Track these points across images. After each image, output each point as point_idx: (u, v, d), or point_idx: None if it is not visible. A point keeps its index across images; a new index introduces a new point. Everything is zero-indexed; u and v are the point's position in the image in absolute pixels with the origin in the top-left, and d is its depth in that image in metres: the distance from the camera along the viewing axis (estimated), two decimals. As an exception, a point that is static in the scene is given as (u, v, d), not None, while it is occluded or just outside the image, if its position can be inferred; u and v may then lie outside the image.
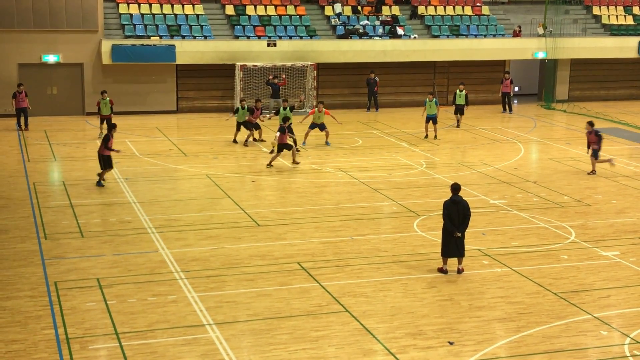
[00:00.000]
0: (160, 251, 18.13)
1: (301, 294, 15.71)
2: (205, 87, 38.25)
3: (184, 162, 27.32)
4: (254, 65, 37.42)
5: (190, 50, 36.80)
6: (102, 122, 31.03)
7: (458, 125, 34.66)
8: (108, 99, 31.11)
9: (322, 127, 30.40)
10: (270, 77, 36.48)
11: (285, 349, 13.34)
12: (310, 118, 30.42)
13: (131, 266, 17.15)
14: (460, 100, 34.82)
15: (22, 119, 32.83)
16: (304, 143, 30.09)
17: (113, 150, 23.86)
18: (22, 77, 35.37)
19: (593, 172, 25.96)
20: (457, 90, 35.04)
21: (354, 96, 39.84)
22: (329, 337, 13.81)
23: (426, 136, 31.84)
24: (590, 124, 26.45)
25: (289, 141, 26.91)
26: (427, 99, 31.51)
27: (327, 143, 30.45)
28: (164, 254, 17.92)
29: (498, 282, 16.49)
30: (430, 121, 31.59)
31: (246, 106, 30.56)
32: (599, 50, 42.38)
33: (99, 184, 23.77)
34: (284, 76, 37.31)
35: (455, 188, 16.84)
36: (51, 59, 36.05)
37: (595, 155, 26.05)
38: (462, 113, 34.84)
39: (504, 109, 39.19)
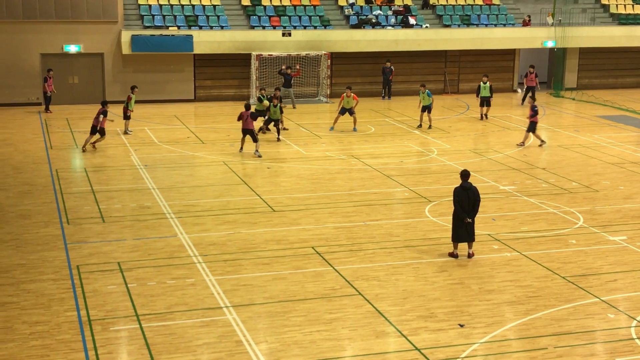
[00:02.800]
0: (179, 236, 18.20)
1: (315, 278, 15.75)
2: (222, 76, 38.25)
3: (201, 150, 27.37)
4: (269, 55, 37.39)
5: (207, 40, 36.79)
6: (126, 117, 29.95)
7: (486, 117, 33.43)
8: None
9: (351, 111, 30.61)
10: (284, 67, 36.35)
11: (300, 330, 13.39)
12: (341, 104, 30.76)
13: (151, 250, 17.23)
14: (485, 92, 33.39)
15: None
16: (331, 128, 30.69)
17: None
18: (45, 67, 35.45)
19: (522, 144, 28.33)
20: (481, 83, 33.60)
21: (367, 85, 39.74)
22: (343, 320, 13.85)
23: (419, 125, 31.47)
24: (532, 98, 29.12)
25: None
26: (420, 91, 31.14)
27: (354, 129, 30.66)
28: (182, 239, 17.99)
29: (507, 266, 16.48)
30: (426, 111, 31.20)
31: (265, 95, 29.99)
32: (608, 39, 42.07)
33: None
34: (298, 67, 37.26)
35: (465, 174, 16.81)
36: (72, 49, 36.14)
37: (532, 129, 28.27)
38: (488, 105, 33.48)
39: (523, 102, 37.13)
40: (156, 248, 17.39)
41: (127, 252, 17.09)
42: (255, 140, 26.19)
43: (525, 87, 37.33)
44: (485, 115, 33.48)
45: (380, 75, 39.08)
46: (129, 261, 16.55)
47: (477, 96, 33.77)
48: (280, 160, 25.81)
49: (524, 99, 37.23)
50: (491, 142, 28.96)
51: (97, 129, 26.67)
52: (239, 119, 26.42)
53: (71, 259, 16.66)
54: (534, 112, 28.04)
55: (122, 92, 34.58)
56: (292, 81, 36.20)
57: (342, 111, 30.59)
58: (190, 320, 13.73)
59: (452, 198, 16.82)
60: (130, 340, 12.99)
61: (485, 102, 33.54)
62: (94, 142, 26.97)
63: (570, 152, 27.45)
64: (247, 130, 26.16)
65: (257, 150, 26.11)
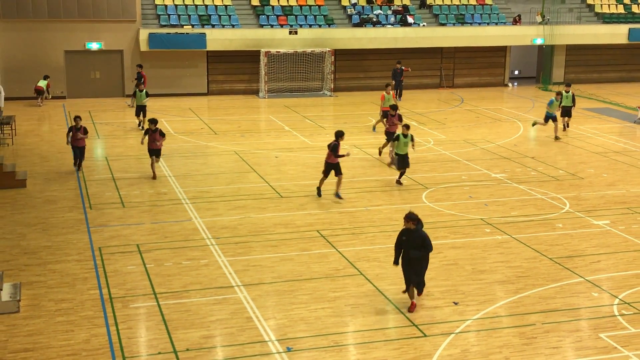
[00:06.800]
0: (193, 220, 18.21)
1: (320, 259, 15.75)
2: (233, 71, 38.18)
3: (214, 140, 27.35)
4: (277, 52, 37.31)
5: (219, 38, 36.70)
6: (139, 114, 28.96)
7: (567, 126, 29.46)
8: (145, 90, 28.88)
9: (386, 114, 27.21)
10: (138, 68, 33.77)
11: (305, 307, 13.41)
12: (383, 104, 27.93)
13: (167, 233, 17.25)
14: (567, 102, 29.14)
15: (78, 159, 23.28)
16: (375, 129, 28.73)
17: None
18: (68, 63, 35.47)
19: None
20: (563, 92, 29.24)
21: (368, 79, 39.66)
22: (346, 298, 13.86)
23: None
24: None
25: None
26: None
27: (374, 129, 28.83)
28: (196, 223, 18.00)
29: (499, 248, 16.47)
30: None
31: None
32: (592, 36, 41.90)
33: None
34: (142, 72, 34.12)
35: (410, 217, 13.11)
36: (94, 46, 36.10)
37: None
38: (569, 115, 29.35)
39: None
40: (172, 231, 17.40)
41: (146, 235, 17.11)
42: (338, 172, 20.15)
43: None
44: (567, 124, 29.52)
45: (380, 70, 38.93)
46: (147, 243, 16.57)
47: (559, 105, 29.07)
48: (287, 150, 25.78)
49: None
50: (483, 132, 28.88)
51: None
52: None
53: (94, 241, 16.69)
54: None
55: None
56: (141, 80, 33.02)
57: (384, 114, 27.09)
58: (204, 298, 13.75)
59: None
60: (149, 317, 13.03)
61: (567, 112, 29.37)
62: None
63: (557, 142, 27.36)
64: (330, 164, 20.07)
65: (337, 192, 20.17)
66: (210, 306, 13.43)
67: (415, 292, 13.46)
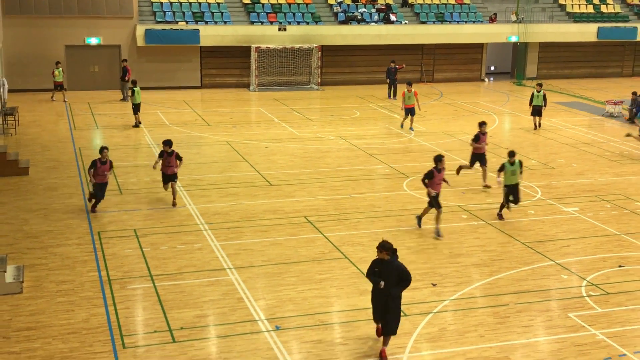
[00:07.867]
0: (188, 206, 18.19)
1: (307, 243, 15.78)
2: (225, 65, 38.04)
3: (207, 131, 27.29)
4: (267, 47, 37.19)
5: (212, 34, 36.54)
6: (136, 112, 27.67)
7: (536, 128, 28.10)
8: (138, 87, 27.87)
9: (412, 111, 27.19)
10: (124, 62, 33.36)
11: (293, 289, 13.45)
12: (403, 102, 27.28)
13: (163, 219, 17.22)
14: (538, 102, 27.74)
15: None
16: (402, 126, 27.63)
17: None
18: (68, 57, 35.22)
19: None
20: (535, 91, 27.94)
21: (353, 74, 39.63)
22: (331, 280, 13.90)
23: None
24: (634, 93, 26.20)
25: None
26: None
27: (411, 129, 27.43)
28: (190, 209, 17.98)
29: (475, 233, 16.55)
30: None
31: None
32: (564, 34, 42.02)
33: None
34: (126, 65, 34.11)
35: (384, 246, 10.79)
36: (93, 41, 35.86)
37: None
38: (539, 115, 27.96)
39: None
40: (167, 217, 17.37)
41: (142, 220, 17.08)
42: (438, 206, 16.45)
43: None
44: (539, 124, 28.16)
45: (364, 65, 38.86)
46: (144, 228, 16.54)
47: (530, 105, 28.16)
48: (276, 141, 25.76)
49: None
50: (461, 124, 28.94)
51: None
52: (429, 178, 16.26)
53: (93, 226, 16.64)
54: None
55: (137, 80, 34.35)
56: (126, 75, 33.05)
57: (407, 112, 27.19)
58: (197, 280, 13.76)
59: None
60: (145, 297, 13.03)
61: (537, 111, 27.93)
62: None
63: (530, 133, 27.47)
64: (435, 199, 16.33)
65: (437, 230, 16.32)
66: (203, 287, 13.44)
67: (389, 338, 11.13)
